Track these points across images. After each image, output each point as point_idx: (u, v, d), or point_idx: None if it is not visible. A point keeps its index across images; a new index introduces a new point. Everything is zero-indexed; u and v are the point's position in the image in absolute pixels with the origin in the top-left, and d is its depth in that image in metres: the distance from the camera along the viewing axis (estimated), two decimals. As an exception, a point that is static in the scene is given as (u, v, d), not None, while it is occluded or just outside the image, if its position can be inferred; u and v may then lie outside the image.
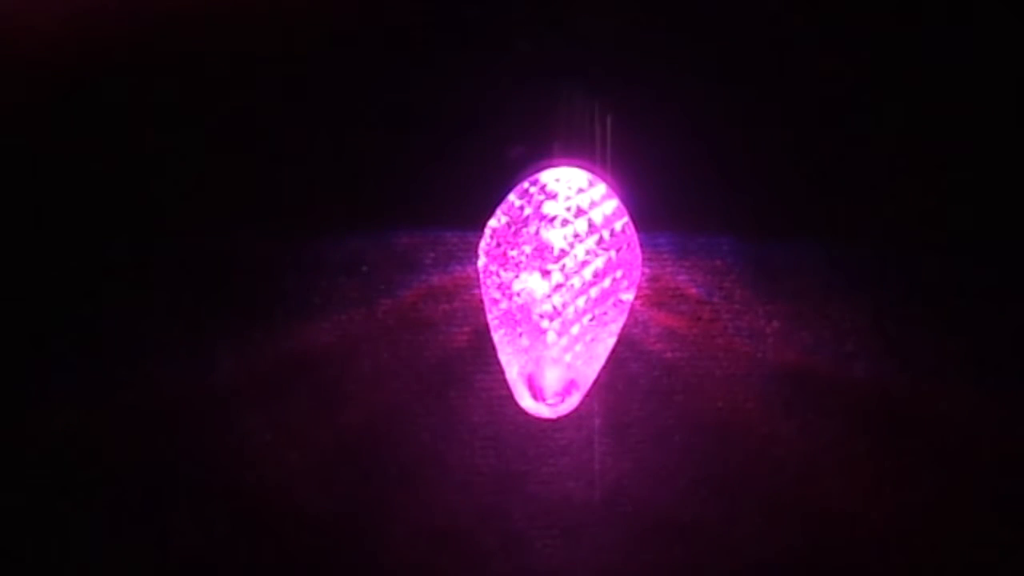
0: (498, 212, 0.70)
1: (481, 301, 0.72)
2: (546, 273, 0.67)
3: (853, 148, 0.76)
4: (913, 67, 0.75)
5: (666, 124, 0.75)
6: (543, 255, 0.67)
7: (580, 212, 0.68)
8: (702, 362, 0.78)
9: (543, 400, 0.69)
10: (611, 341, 0.72)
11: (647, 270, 0.75)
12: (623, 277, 0.70)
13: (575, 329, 0.68)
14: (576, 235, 0.68)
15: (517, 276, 0.68)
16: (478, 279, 0.72)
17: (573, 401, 0.70)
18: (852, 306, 0.77)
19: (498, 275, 0.69)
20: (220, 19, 0.74)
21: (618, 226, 0.69)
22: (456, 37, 0.75)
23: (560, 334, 0.68)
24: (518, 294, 0.68)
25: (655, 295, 0.77)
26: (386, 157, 0.76)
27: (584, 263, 0.67)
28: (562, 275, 0.67)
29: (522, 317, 0.68)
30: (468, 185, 0.73)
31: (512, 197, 0.70)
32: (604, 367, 0.72)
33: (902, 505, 0.77)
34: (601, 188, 0.70)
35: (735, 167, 0.76)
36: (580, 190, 0.69)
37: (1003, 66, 0.75)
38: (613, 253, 0.69)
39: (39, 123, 0.75)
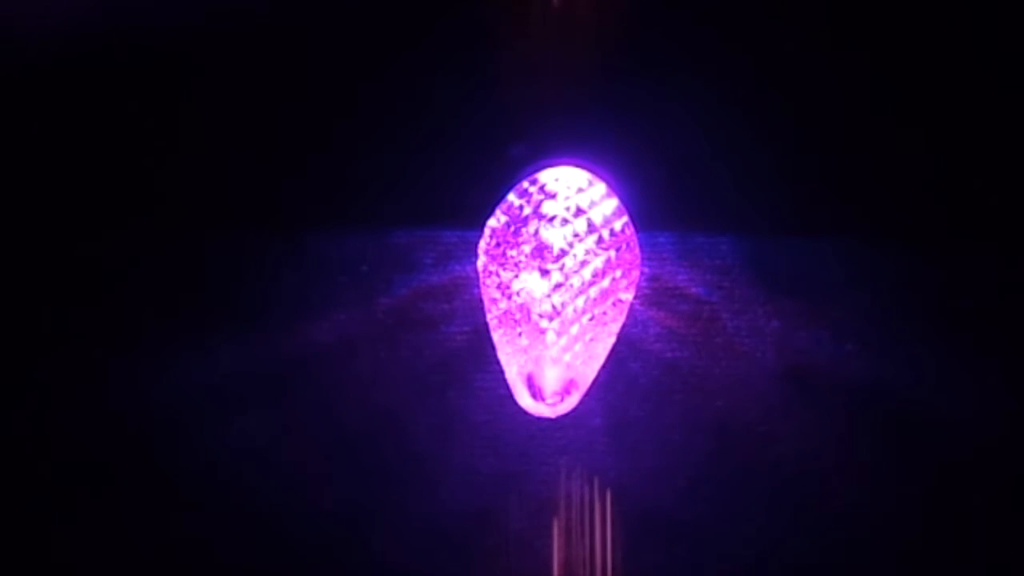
0: (497, 212, 0.70)
1: (480, 301, 0.72)
2: (545, 273, 0.67)
3: (854, 147, 0.76)
4: (917, 67, 0.75)
5: (667, 123, 0.75)
6: (542, 255, 0.67)
7: (579, 212, 0.68)
8: (702, 362, 0.78)
9: (542, 399, 0.69)
10: (611, 341, 0.72)
11: (647, 270, 0.75)
12: (623, 277, 0.70)
13: (574, 329, 0.68)
14: (576, 235, 0.68)
15: (516, 276, 0.68)
16: (477, 279, 0.72)
17: (573, 401, 0.70)
18: (852, 306, 0.77)
19: (497, 275, 0.69)
20: (218, 16, 0.74)
21: (618, 226, 0.70)
22: (456, 36, 0.75)
23: (559, 334, 0.68)
24: (517, 294, 0.68)
25: (655, 295, 0.77)
26: (385, 156, 0.76)
27: (583, 263, 0.67)
28: (561, 275, 0.67)
29: (521, 317, 0.68)
30: (467, 185, 0.73)
31: (511, 197, 0.70)
32: (604, 367, 0.72)
33: (902, 505, 0.77)
34: (601, 188, 0.70)
35: (736, 166, 0.76)
36: (579, 190, 0.69)
37: (1007, 66, 0.75)
38: (613, 253, 0.69)
39: (36, 119, 0.75)
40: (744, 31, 0.75)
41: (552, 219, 0.68)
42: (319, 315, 0.76)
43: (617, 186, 0.71)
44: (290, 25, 0.74)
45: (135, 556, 0.77)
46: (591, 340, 0.69)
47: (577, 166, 0.71)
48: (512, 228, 0.68)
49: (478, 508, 0.78)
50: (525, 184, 0.70)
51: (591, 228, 0.68)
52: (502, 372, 0.71)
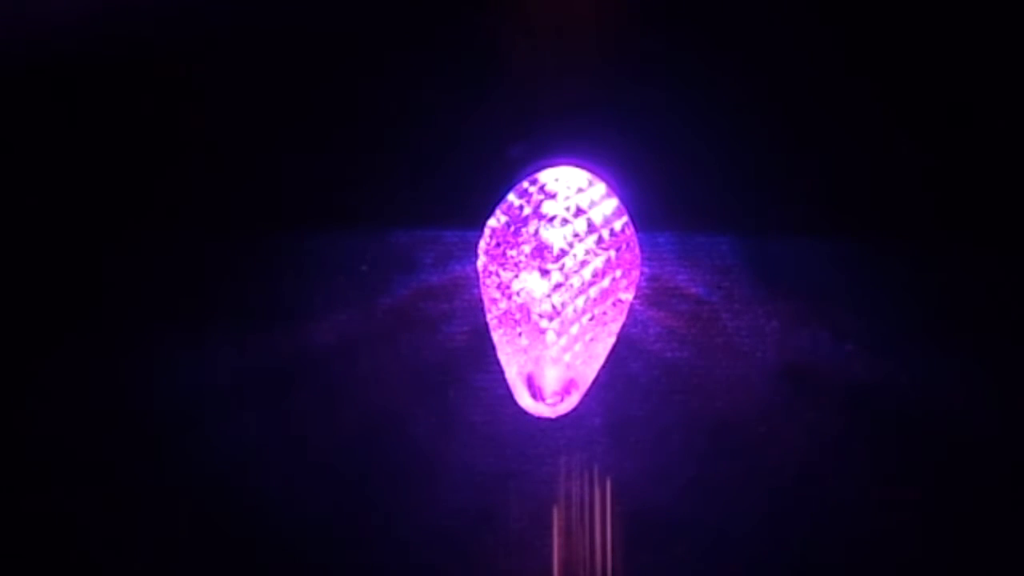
0: (497, 212, 0.70)
1: (480, 301, 0.72)
2: (545, 273, 0.67)
3: (854, 148, 0.76)
4: (917, 68, 0.75)
5: (667, 123, 0.75)
6: (542, 255, 0.67)
7: (579, 212, 0.68)
8: (702, 362, 0.78)
9: (542, 400, 0.69)
10: (611, 341, 0.72)
11: (647, 270, 0.75)
12: (622, 277, 0.70)
13: (574, 329, 0.68)
14: (576, 235, 0.68)
15: (516, 276, 0.68)
16: (477, 279, 0.72)
17: (573, 401, 0.70)
18: (852, 306, 0.77)
19: (497, 275, 0.69)
20: (218, 17, 0.74)
21: (618, 226, 0.70)
22: (456, 36, 0.75)
23: (559, 334, 0.68)
24: (517, 294, 0.68)
25: (655, 295, 0.77)
26: (385, 156, 0.76)
27: (583, 263, 0.68)
28: (561, 275, 0.67)
29: (521, 317, 0.68)
30: (467, 185, 0.73)
31: (511, 197, 0.70)
32: (604, 367, 0.72)
33: (902, 505, 0.77)
34: (601, 188, 0.70)
35: (736, 166, 0.76)
36: (579, 190, 0.69)
37: (1006, 63, 0.75)
38: (612, 253, 0.69)
39: (37, 120, 0.75)
40: (744, 32, 0.75)
41: (552, 219, 0.68)
42: (319, 315, 0.76)
43: (617, 186, 0.71)
44: (290, 25, 0.74)
45: (135, 555, 0.77)
46: (591, 340, 0.69)
47: (577, 166, 0.71)
48: (512, 228, 0.69)
49: (478, 508, 0.78)
50: (525, 184, 0.70)
51: (591, 228, 0.68)
52: (502, 372, 0.71)
